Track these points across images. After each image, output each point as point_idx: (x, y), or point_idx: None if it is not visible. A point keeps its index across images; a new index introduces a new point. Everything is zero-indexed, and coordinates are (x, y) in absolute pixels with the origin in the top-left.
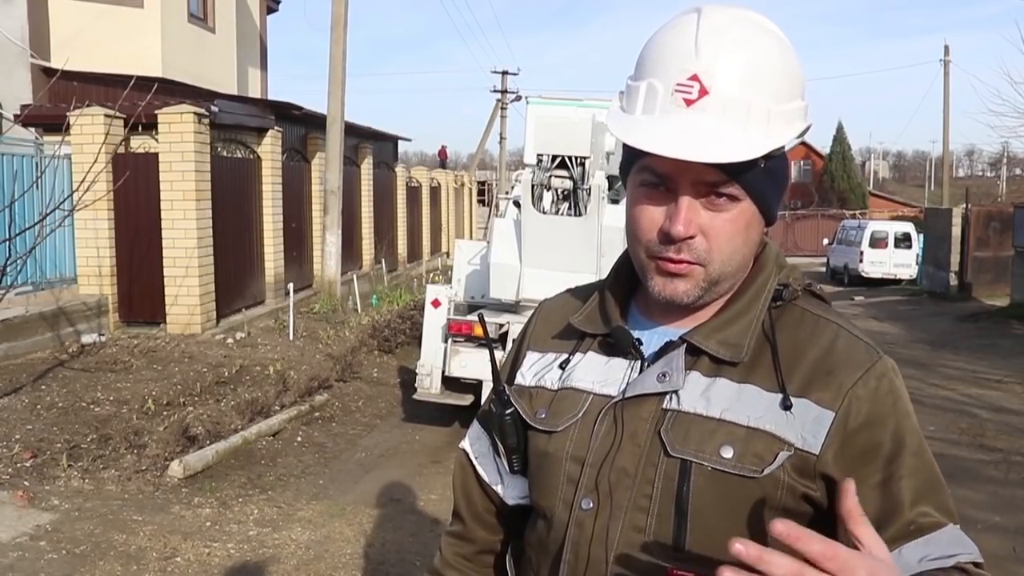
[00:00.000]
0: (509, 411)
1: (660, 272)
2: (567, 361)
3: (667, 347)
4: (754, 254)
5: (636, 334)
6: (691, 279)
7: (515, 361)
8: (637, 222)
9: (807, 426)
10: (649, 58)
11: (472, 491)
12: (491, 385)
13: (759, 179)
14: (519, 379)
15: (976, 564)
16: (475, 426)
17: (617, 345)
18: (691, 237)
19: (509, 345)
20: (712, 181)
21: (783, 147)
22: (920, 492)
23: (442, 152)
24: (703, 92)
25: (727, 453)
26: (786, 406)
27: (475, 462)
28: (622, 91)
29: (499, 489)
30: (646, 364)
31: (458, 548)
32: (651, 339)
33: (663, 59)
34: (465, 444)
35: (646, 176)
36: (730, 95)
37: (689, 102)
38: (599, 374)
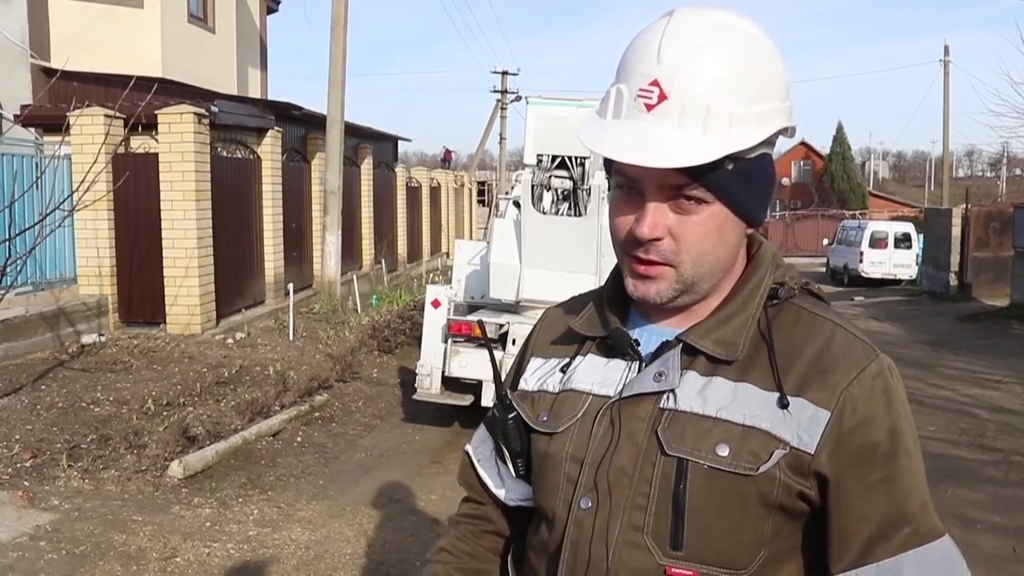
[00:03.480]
0: (511, 415)
1: (632, 274)
2: (568, 364)
3: (664, 347)
4: (734, 256)
5: (634, 335)
6: (663, 280)
7: (519, 368)
8: (613, 223)
9: (803, 425)
10: (622, 62)
11: (474, 487)
12: (491, 386)
13: (727, 181)
14: (523, 384)
15: None
16: (480, 430)
17: (616, 346)
18: (658, 239)
19: (509, 345)
20: (676, 184)
21: (753, 149)
22: (916, 496)
23: (447, 154)
24: (662, 97)
25: (723, 451)
26: (783, 404)
27: (476, 465)
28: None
29: (499, 492)
30: (644, 364)
31: (467, 523)
32: (649, 339)
33: (630, 64)
34: (469, 447)
35: (619, 179)
36: (688, 100)
37: (649, 107)
38: (599, 375)
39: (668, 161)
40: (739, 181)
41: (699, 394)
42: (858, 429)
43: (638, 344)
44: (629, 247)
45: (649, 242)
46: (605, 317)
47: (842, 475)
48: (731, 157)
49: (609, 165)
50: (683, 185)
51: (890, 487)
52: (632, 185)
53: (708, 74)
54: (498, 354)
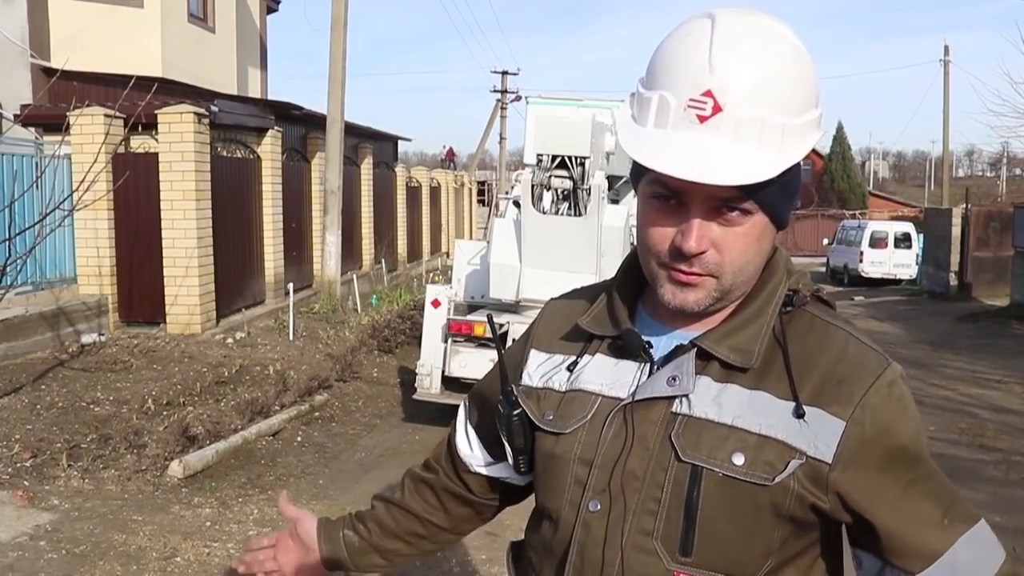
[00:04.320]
0: (516, 412)
1: (672, 281)
2: (575, 363)
3: (677, 351)
4: (765, 262)
5: (645, 337)
6: (703, 289)
7: (520, 361)
8: (648, 234)
9: (819, 435)
10: (662, 67)
11: (442, 450)
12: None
13: (773, 193)
14: (525, 379)
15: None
16: (464, 401)
17: (626, 347)
18: (703, 252)
19: (509, 345)
20: (725, 196)
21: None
22: (947, 490)
23: (449, 153)
24: (716, 109)
25: (738, 460)
26: (799, 415)
27: (458, 426)
28: (633, 94)
29: (467, 458)
30: (656, 367)
31: (416, 471)
32: (660, 342)
33: (676, 71)
34: (461, 407)
35: (657, 188)
36: (744, 112)
37: (702, 119)
38: (608, 376)
39: (729, 178)
40: (781, 191)
41: (714, 400)
42: (882, 436)
43: (650, 346)
44: (670, 259)
45: (694, 256)
46: (615, 316)
47: (876, 482)
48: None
49: (638, 172)
50: (732, 198)
51: (925, 485)
52: (672, 196)
53: (762, 85)
54: None
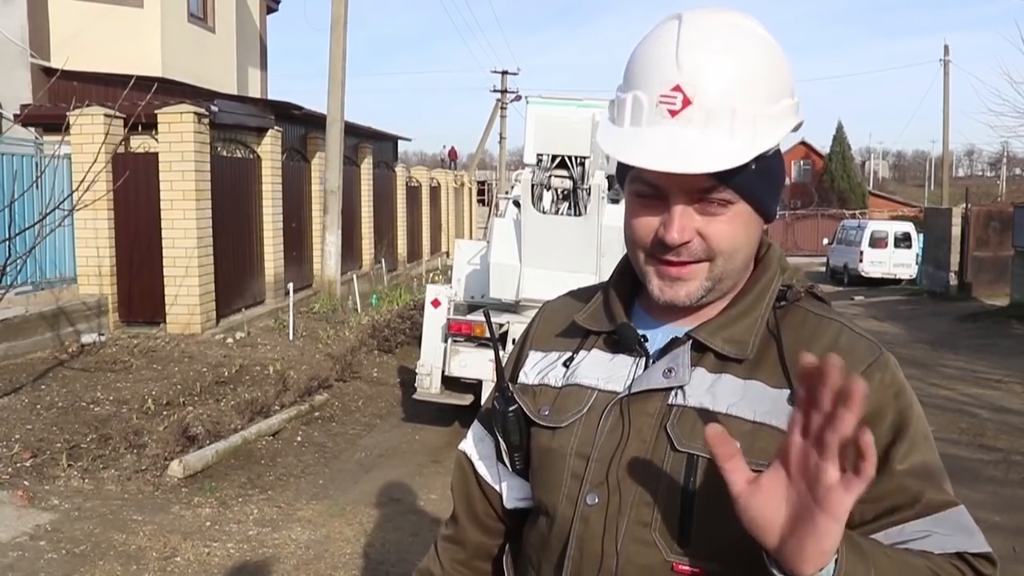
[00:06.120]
0: (512, 408)
1: (660, 276)
2: (571, 359)
3: (672, 343)
4: (755, 252)
5: (641, 331)
6: (694, 281)
7: (517, 361)
8: (634, 230)
9: None
10: (634, 69)
11: (472, 493)
12: (492, 384)
13: (751, 181)
14: (522, 377)
15: (984, 555)
16: (477, 427)
17: (622, 342)
18: (687, 242)
19: (509, 345)
20: (703, 187)
21: (774, 147)
22: (921, 475)
23: (452, 153)
24: (686, 102)
25: None
26: (793, 401)
27: (476, 464)
28: (612, 101)
29: (501, 491)
30: (651, 361)
31: (454, 553)
32: (656, 336)
33: (646, 70)
34: (466, 446)
35: (639, 186)
36: (713, 104)
37: (673, 113)
38: (604, 371)
39: (702, 166)
40: (761, 180)
41: (708, 391)
42: (864, 424)
43: (646, 340)
44: (656, 252)
45: (679, 246)
46: (611, 312)
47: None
48: (755, 157)
49: (623, 173)
50: (710, 188)
51: (891, 470)
52: (654, 192)
53: (730, 77)
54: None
